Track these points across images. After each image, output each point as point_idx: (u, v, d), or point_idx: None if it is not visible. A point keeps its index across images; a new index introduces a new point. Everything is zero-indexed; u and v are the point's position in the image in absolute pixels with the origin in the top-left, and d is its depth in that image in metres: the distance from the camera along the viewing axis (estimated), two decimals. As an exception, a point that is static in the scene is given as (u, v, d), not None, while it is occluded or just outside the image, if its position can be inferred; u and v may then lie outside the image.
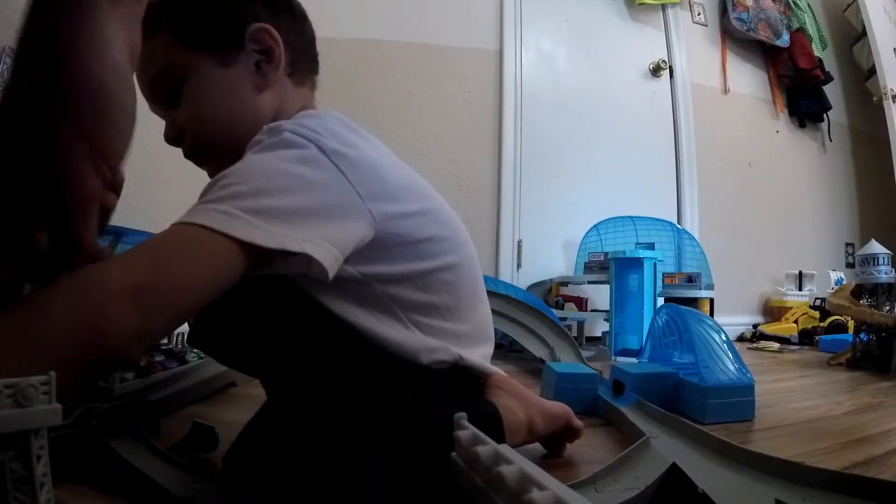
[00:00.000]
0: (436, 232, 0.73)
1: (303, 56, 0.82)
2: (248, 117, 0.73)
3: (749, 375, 1.21)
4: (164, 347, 1.44)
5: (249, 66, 0.74)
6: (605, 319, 2.38)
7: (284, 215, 0.56)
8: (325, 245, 0.57)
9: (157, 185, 1.57)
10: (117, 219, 1.37)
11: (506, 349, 2.24)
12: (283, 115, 0.76)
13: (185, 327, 1.52)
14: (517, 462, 0.36)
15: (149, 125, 1.54)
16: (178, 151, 1.51)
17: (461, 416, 0.44)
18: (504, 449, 0.39)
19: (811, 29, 3.55)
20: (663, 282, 2.36)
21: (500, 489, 0.35)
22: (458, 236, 0.78)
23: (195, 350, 1.48)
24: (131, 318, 0.45)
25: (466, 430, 0.43)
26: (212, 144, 0.75)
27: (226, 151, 0.69)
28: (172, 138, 0.76)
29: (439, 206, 0.77)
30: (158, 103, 0.76)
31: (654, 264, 2.29)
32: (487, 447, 0.39)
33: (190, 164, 1.59)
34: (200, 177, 1.71)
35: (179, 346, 1.51)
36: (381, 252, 0.66)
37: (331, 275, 0.58)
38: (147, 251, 0.51)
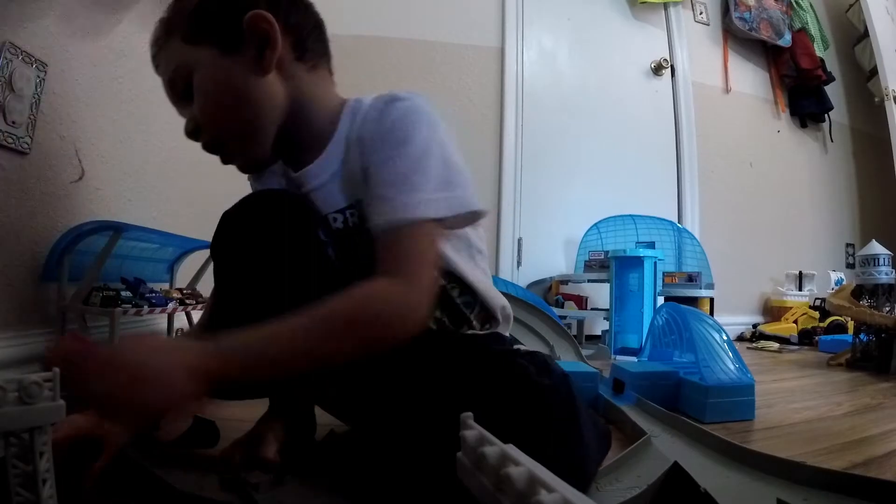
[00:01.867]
0: None
1: (308, 39, 0.82)
2: (257, 101, 0.75)
3: (749, 375, 1.21)
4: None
5: (252, 53, 0.74)
6: (605, 318, 2.38)
7: (462, 188, 0.71)
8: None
9: (156, 181, 1.57)
10: (118, 214, 1.37)
11: (505, 347, 2.24)
12: (303, 97, 0.79)
13: (183, 322, 1.52)
14: (525, 463, 0.36)
15: (150, 123, 1.54)
16: (177, 149, 1.52)
17: (467, 416, 0.43)
18: (511, 450, 0.38)
19: (813, 29, 3.54)
20: (663, 281, 2.36)
21: (508, 491, 0.35)
22: None
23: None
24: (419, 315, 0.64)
25: (473, 431, 0.42)
26: (226, 131, 0.77)
27: (245, 136, 0.76)
28: (189, 132, 0.78)
29: None
30: (178, 103, 0.79)
31: (655, 263, 2.29)
32: (494, 448, 0.39)
33: (187, 161, 1.60)
34: (199, 175, 1.71)
35: (180, 341, 1.51)
36: None
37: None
38: (422, 258, 0.67)
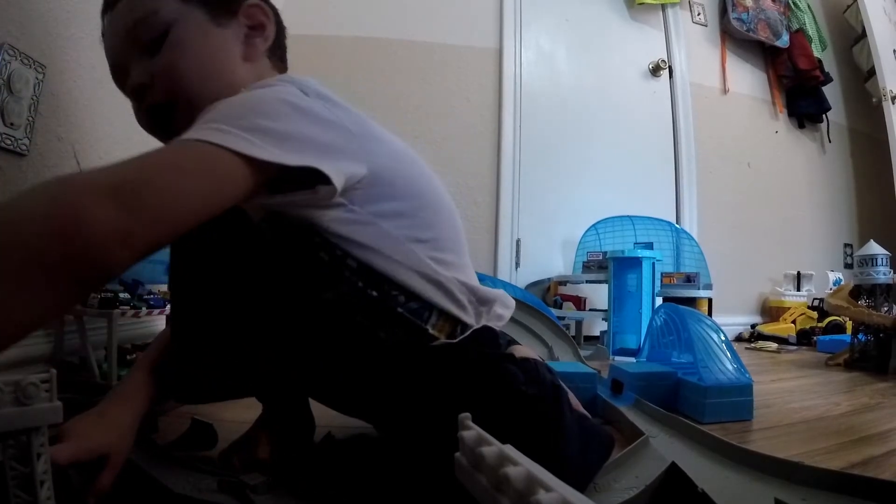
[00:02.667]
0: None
1: (281, 42, 0.83)
2: (227, 80, 0.71)
3: (747, 375, 1.21)
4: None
5: (239, 34, 0.74)
6: (603, 319, 2.38)
7: (280, 136, 0.55)
8: (328, 163, 0.58)
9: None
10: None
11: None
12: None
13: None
14: (523, 463, 0.36)
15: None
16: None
17: (465, 417, 0.43)
18: (509, 450, 0.38)
19: (811, 30, 3.55)
20: (662, 281, 2.36)
21: (507, 490, 0.35)
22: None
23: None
24: (111, 213, 0.43)
25: (471, 431, 0.42)
26: (183, 94, 0.70)
27: (196, 107, 0.63)
28: (140, 85, 0.70)
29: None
30: (133, 51, 0.71)
31: (653, 264, 2.29)
32: (493, 448, 0.39)
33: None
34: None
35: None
36: (383, 188, 0.67)
37: (339, 188, 0.59)
38: (134, 158, 0.49)
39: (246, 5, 0.75)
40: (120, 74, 0.73)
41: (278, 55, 0.83)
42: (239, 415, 1.06)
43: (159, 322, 1.55)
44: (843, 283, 2.66)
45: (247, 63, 0.75)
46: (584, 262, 2.59)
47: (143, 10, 0.69)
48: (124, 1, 0.71)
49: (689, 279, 2.33)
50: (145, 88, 0.70)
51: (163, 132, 0.72)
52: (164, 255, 1.55)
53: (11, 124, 1.02)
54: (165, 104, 0.70)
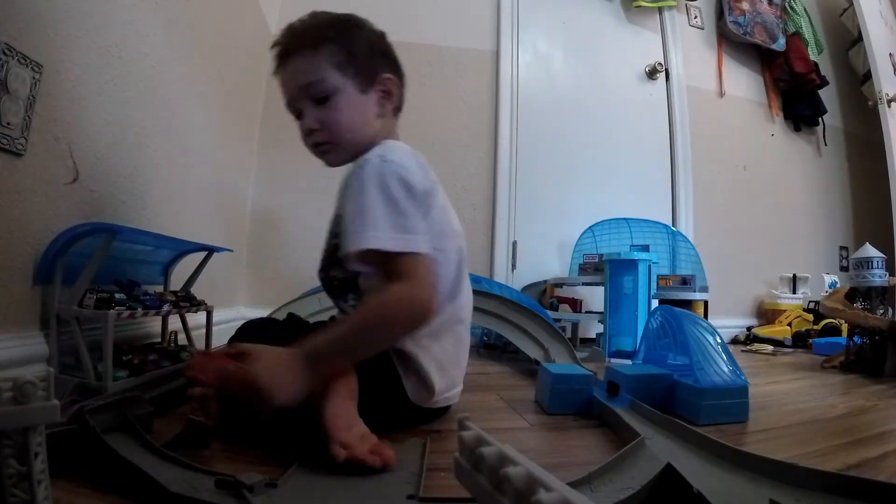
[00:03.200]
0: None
1: (402, 100, 1.18)
2: (366, 130, 1.10)
3: (743, 377, 1.21)
4: (158, 346, 1.44)
5: (375, 98, 1.11)
6: (599, 321, 2.39)
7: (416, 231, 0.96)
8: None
9: (151, 182, 1.57)
10: (112, 216, 1.37)
11: (500, 350, 2.25)
12: (384, 135, 1.12)
13: (177, 325, 1.52)
14: (523, 463, 0.36)
15: (145, 125, 1.54)
16: (173, 151, 1.52)
17: (465, 418, 0.44)
18: (509, 450, 0.39)
19: (807, 33, 3.56)
20: (658, 284, 2.37)
21: (507, 490, 0.35)
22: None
23: (189, 349, 1.48)
24: (434, 305, 0.93)
25: (471, 431, 0.43)
26: (338, 139, 1.08)
27: (345, 148, 1.09)
28: (311, 128, 1.08)
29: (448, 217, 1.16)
30: (305, 99, 1.07)
31: (649, 266, 2.29)
32: (492, 448, 0.39)
33: (180, 165, 1.60)
34: (194, 177, 1.71)
35: (173, 344, 1.51)
36: None
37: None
38: (416, 271, 0.92)
39: (383, 77, 1.11)
40: (292, 108, 1.11)
41: (397, 110, 1.18)
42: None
43: (155, 323, 1.55)
44: (838, 285, 2.67)
45: (379, 119, 1.12)
46: (580, 265, 2.59)
47: (317, 76, 1.05)
48: (302, 62, 1.06)
49: (685, 281, 2.34)
50: (313, 130, 1.08)
51: (320, 155, 1.12)
52: (161, 256, 1.55)
53: (8, 124, 1.02)
54: (324, 142, 1.09)
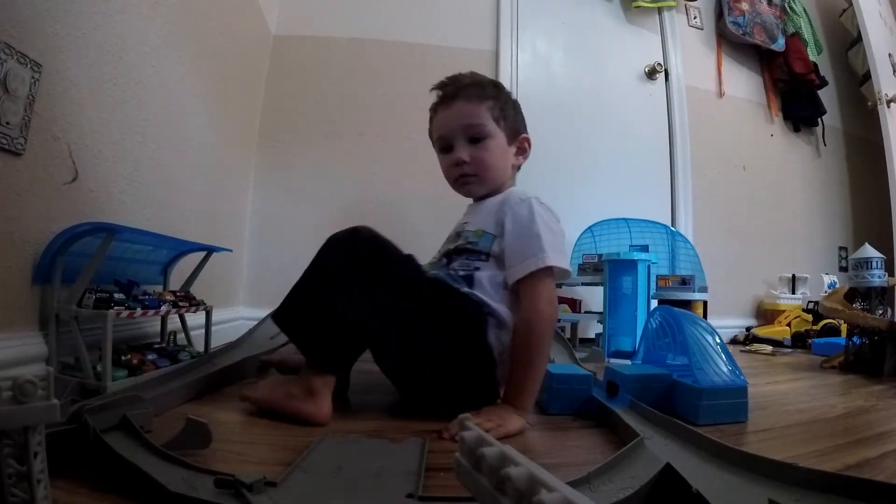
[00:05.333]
0: None
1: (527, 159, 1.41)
2: (503, 174, 1.34)
3: (742, 377, 1.21)
4: (158, 346, 1.44)
5: (514, 151, 1.36)
6: (598, 321, 2.39)
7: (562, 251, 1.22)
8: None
9: (150, 183, 1.57)
10: (111, 216, 1.37)
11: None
12: (510, 183, 1.38)
13: (176, 325, 1.52)
14: (524, 464, 0.36)
15: (144, 125, 1.54)
16: (172, 151, 1.53)
17: (465, 418, 0.44)
18: (510, 450, 0.39)
19: (806, 33, 3.56)
20: (657, 284, 2.37)
21: (508, 491, 0.35)
22: None
23: (188, 349, 1.48)
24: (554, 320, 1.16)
25: (472, 432, 0.42)
26: (483, 175, 1.31)
27: (486, 184, 1.33)
28: (463, 161, 1.29)
29: None
30: (461, 136, 1.30)
31: (648, 266, 2.29)
32: (493, 448, 0.39)
33: (180, 165, 1.61)
34: (193, 178, 1.71)
35: (172, 344, 1.51)
36: None
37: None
38: (546, 291, 1.15)
39: (523, 136, 1.37)
40: (445, 143, 1.34)
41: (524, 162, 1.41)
42: (233, 416, 1.06)
43: (154, 323, 1.55)
44: (837, 285, 2.66)
45: (511, 169, 1.37)
46: (579, 265, 2.59)
47: (478, 120, 1.29)
48: (469, 106, 1.29)
49: (685, 282, 2.34)
50: (463, 163, 1.29)
51: (462, 185, 1.34)
52: (160, 256, 1.55)
53: (7, 123, 1.02)
54: (470, 175, 1.31)
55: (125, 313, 1.18)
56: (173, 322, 1.56)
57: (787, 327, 2.96)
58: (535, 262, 1.13)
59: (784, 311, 3.10)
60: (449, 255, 1.29)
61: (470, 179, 1.32)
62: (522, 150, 1.38)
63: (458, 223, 1.38)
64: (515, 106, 1.38)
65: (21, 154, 1.06)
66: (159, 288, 1.53)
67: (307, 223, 2.57)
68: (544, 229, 1.18)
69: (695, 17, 3.39)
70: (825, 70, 3.67)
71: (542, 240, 1.15)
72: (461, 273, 1.22)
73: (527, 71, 3.04)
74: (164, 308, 1.35)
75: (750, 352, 2.64)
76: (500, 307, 1.16)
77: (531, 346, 1.09)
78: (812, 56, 3.52)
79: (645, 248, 2.58)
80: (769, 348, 2.67)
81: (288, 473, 0.70)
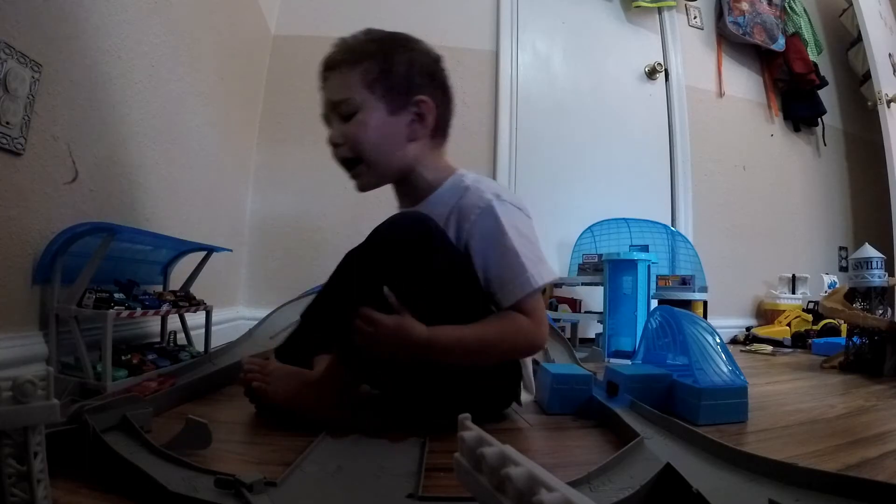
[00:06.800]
0: None
1: (444, 125, 1.15)
2: (396, 154, 1.09)
3: (742, 377, 1.21)
4: (158, 346, 1.44)
5: (407, 120, 1.08)
6: (598, 321, 2.39)
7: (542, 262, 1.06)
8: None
9: (150, 181, 1.57)
10: (111, 216, 1.37)
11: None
12: (420, 161, 1.12)
13: (176, 325, 1.52)
14: (524, 464, 0.36)
15: (144, 125, 1.54)
16: (171, 151, 1.53)
17: (465, 417, 0.44)
18: (510, 450, 0.39)
19: (806, 33, 3.56)
20: (657, 284, 2.37)
21: (509, 490, 0.35)
22: None
23: (188, 349, 1.48)
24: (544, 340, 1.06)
25: (471, 431, 0.42)
26: (366, 157, 1.07)
27: (377, 171, 1.10)
28: (335, 142, 1.08)
29: None
30: (334, 114, 1.08)
31: (648, 266, 2.29)
32: (493, 448, 0.39)
33: (179, 165, 1.61)
34: (193, 178, 1.72)
35: (172, 344, 1.51)
36: None
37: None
38: (539, 306, 1.04)
39: (416, 99, 1.07)
40: (326, 121, 1.11)
41: (440, 133, 1.15)
42: (233, 416, 1.06)
43: (154, 322, 1.55)
44: (837, 285, 2.66)
45: (410, 143, 1.09)
46: (579, 265, 2.59)
47: (345, 93, 1.05)
48: (336, 81, 1.07)
49: (685, 282, 2.34)
50: (338, 145, 1.08)
51: (354, 178, 1.11)
52: (160, 256, 1.55)
53: (7, 123, 1.02)
54: (351, 158, 1.08)
55: (125, 313, 1.18)
56: (173, 322, 1.56)
57: (787, 327, 2.96)
58: (522, 287, 1.00)
59: (784, 311, 3.10)
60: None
61: (357, 169, 1.10)
62: (421, 116, 1.09)
63: None
64: (412, 63, 1.09)
65: (21, 154, 1.06)
66: (159, 288, 1.53)
67: (307, 223, 2.57)
68: (517, 239, 1.01)
69: (695, 17, 3.39)
70: (825, 70, 3.67)
71: (520, 255, 1.00)
72: None
73: (527, 71, 3.04)
74: (164, 308, 1.35)
75: (750, 352, 2.63)
76: None
77: (504, 341, 0.99)
78: (812, 56, 3.52)
79: (645, 248, 2.59)
80: (769, 348, 2.67)
81: (288, 473, 0.70)
